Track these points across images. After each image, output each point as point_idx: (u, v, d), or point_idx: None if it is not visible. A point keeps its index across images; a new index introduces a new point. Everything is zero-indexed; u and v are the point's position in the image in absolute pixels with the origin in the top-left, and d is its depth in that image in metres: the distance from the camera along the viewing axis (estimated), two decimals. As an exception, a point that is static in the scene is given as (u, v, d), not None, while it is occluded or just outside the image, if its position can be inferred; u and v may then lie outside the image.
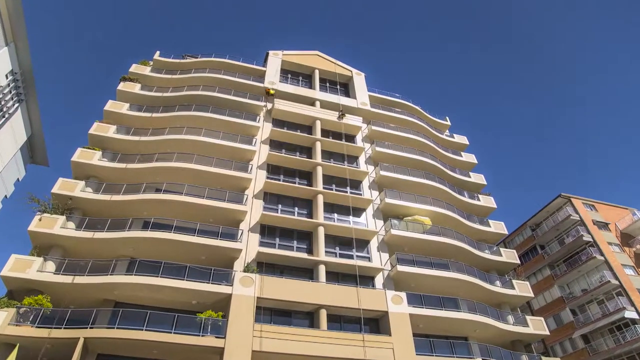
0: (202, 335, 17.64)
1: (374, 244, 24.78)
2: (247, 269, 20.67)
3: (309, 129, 30.34)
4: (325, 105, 32.06)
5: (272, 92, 30.99)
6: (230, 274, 20.19)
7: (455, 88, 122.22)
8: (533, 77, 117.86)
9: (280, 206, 25.11)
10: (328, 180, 27.20)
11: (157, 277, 18.97)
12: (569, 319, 36.96)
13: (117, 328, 17.12)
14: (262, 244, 22.70)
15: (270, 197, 25.22)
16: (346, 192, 26.84)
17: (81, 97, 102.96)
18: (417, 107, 36.25)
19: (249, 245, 22.18)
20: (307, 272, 22.60)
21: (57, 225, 20.32)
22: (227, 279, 19.99)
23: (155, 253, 20.69)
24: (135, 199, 22.08)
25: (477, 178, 32.91)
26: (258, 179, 25.53)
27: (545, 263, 40.98)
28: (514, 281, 26.27)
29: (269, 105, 30.53)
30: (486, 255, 26.95)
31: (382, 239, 25.12)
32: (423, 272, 23.26)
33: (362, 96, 33.96)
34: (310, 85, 34.01)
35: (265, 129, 28.82)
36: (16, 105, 24.32)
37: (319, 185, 26.01)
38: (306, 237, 24.15)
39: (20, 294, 18.26)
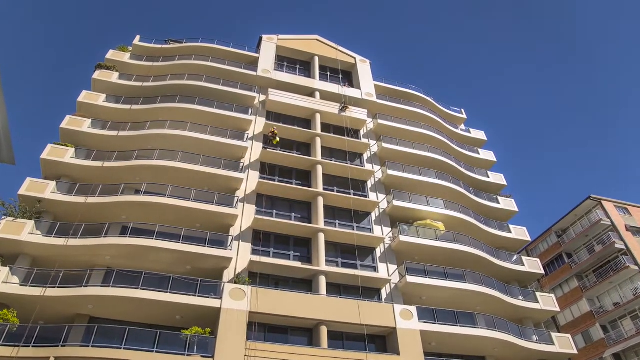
0: (188, 354, 17.65)
1: (380, 252, 24.82)
2: (238, 280, 20.70)
3: (307, 123, 30.40)
4: (326, 96, 32.12)
5: (275, 141, 27.03)
6: (219, 285, 20.24)
7: (472, 78, 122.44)
8: (551, 67, 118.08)
9: (275, 210, 25.14)
10: (329, 180, 27.23)
11: (137, 289, 18.99)
12: (599, 336, 37.00)
13: (92, 346, 17.12)
14: (254, 252, 22.72)
15: (264, 200, 25.23)
16: (349, 193, 26.87)
17: (52, 87, 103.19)
18: (428, 99, 36.35)
19: (240, 254, 22.21)
20: (305, 283, 22.64)
21: (25, 231, 20.32)
22: (215, 291, 20.04)
23: (134, 262, 20.74)
24: (112, 202, 22.14)
25: (497, 178, 33.00)
26: (250, 180, 25.57)
27: (572, 273, 41.05)
28: (537, 294, 26.31)
29: (262, 97, 30.55)
30: (506, 264, 27.01)
31: (390, 246, 25.16)
32: (435, 284, 23.32)
33: (367, 86, 34.03)
34: (309, 74, 34.08)
35: (258, 123, 28.87)
36: (-22, 96, 24.33)
37: (319, 186, 26.04)
38: (304, 245, 24.18)
39: (-17, 308, 18.27)
